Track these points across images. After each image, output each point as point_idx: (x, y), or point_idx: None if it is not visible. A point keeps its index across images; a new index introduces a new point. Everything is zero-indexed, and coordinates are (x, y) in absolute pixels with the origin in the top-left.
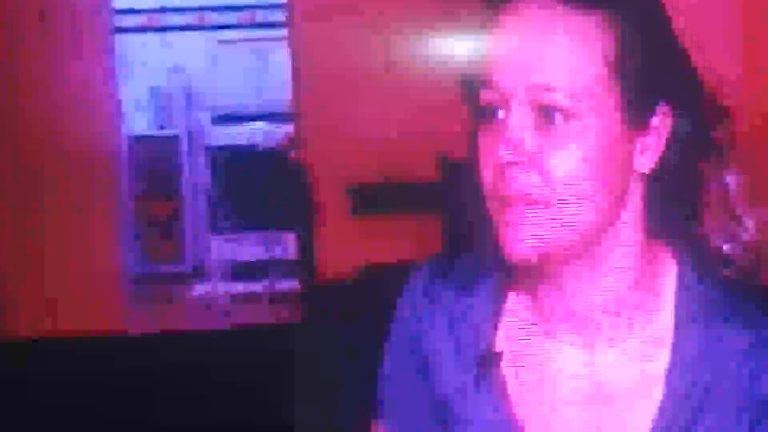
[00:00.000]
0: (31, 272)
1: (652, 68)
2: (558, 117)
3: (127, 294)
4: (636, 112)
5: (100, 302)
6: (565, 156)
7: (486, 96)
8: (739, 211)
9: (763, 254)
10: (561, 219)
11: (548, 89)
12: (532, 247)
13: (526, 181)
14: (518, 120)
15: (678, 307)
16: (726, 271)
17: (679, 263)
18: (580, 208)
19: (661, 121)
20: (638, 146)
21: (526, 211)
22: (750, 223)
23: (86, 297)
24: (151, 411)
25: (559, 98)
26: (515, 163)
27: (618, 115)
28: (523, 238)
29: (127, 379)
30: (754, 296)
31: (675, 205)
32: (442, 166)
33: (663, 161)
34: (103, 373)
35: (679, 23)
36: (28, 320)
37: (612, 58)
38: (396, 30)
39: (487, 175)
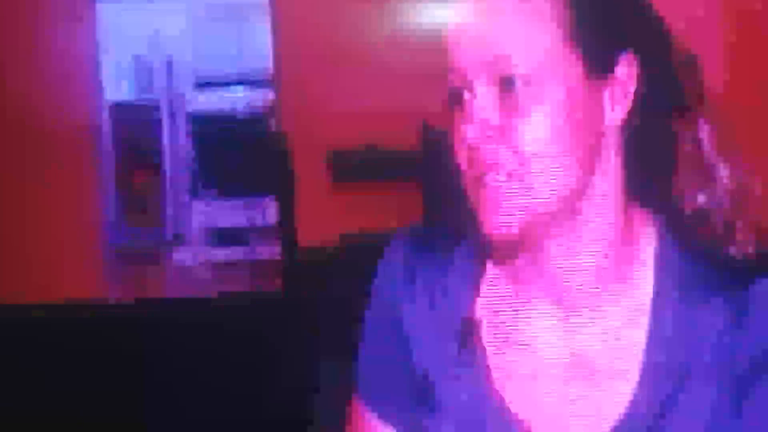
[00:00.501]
0: (11, 241)
1: (607, 19)
2: (519, 86)
3: (107, 261)
4: (598, 65)
5: (81, 270)
6: (532, 123)
7: (451, 80)
8: (712, 159)
9: (736, 205)
10: (538, 187)
11: (505, 59)
12: (512, 223)
13: (498, 156)
14: (482, 97)
15: (657, 279)
16: (702, 230)
17: (659, 232)
18: (556, 172)
19: (627, 70)
20: (606, 98)
21: (501, 187)
22: (724, 172)
23: (67, 265)
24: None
25: (517, 66)
26: (485, 140)
27: (580, 71)
28: (502, 215)
29: (107, 346)
30: (732, 269)
31: (650, 159)
32: (424, 134)
33: (634, 113)
34: (83, 341)
35: (677, 24)
36: (7, 288)
37: (565, 15)
38: None
39: (461, 156)
